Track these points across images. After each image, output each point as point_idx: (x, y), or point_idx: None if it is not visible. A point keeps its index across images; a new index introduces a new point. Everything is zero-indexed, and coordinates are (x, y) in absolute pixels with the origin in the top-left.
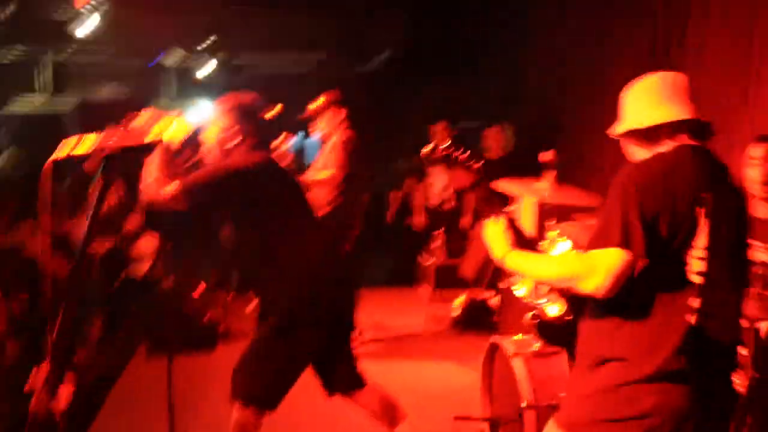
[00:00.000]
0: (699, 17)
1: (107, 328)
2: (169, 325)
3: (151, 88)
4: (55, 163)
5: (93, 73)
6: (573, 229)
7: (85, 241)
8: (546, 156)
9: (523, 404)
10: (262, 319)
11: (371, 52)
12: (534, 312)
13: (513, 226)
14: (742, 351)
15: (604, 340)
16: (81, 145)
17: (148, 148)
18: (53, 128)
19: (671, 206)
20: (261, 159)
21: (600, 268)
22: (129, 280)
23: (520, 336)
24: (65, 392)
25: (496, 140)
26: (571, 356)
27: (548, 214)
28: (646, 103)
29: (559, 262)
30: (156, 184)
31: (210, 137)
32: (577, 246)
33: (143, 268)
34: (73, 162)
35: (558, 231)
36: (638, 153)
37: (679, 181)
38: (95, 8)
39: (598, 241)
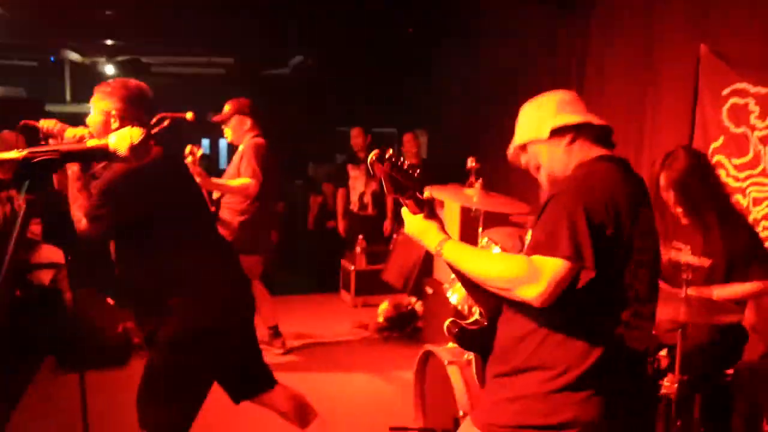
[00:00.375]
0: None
1: (9, 341)
2: (77, 339)
3: (49, 88)
4: None
5: None
6: (501, 236)
7: (10, 258)
8: (471, 163)
9: (460, 413)
10: (152, 343)
11: (285, 55)
12: (452, 318)
13: (434, 215)
14: (663, 354)
15: (531, 346)
16: (7, 153)
17: (90, 154)
18: None
19: (615, 220)
20: (155, 155)
21: (545, 275)
22: (31, 290)
23: (453, 344)
24: None
25: (411, 146)
26: (485, 362)
27: (475, 221)
28: (547, 113)
29: (502, 261)
30: (75, 218)
31: (90, 125)
32: (505, 250)
33: (46, 277)
34: None
35: (487, 238)
36: (548, 160)
37: (620, 196)
38: None
39: (543, 250)
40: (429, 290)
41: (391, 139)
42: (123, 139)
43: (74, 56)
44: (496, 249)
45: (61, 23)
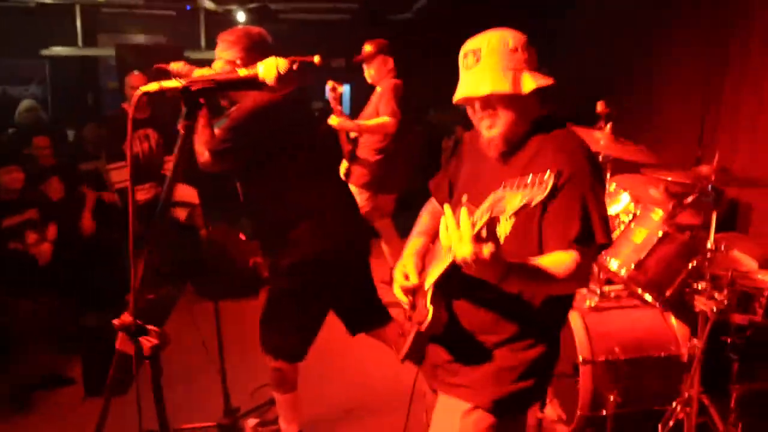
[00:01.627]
0: None
1: (152, 272)
2: (212, 270)
3: (184, 35)
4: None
5: (125, 20)
6: (630, 183)
7: (170, 182)
8: (600, 107)
9: (580, 359)
10: (271, 270)
11: (406, 1)
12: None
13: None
14: None
15: (527, 311)
16: (169, 81)
17: (241, 83)
18: (88, 73)
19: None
20: (277, 97)
21: (589, 268)
22: (171, 224)
23: None
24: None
25: None
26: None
27: (605, 164)
28: (521, 61)
29: (560, 269)
30: (198, 152)
31: (217, 70)
32: (634, 199)
33: (183, 213)
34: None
35: (615, 184)
36: (512, 119)
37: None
38: None
39: (582, 241)
40: None
41: None
42: (270, 68)
43: (208, 4)
44: (625, 195)
45: None
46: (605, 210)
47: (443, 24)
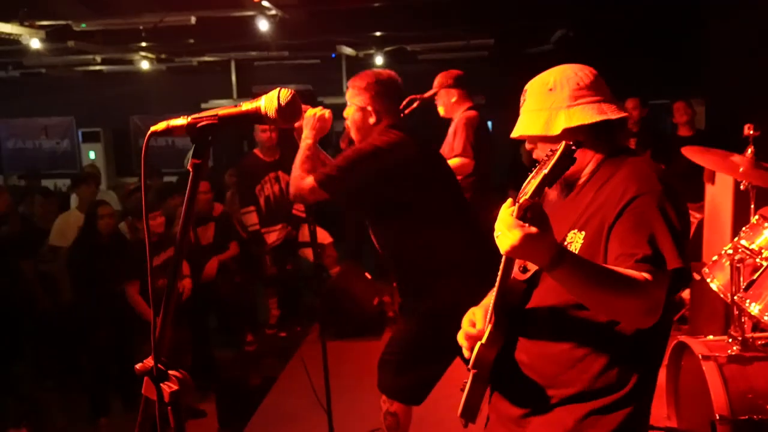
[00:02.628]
0: None
1: (282, 310)
2: (338, 310)
3: (328, 81)
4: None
5: (275, 71)
6: None
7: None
8: (748, 130)
9: (717, 417)
10: (405, 310)
11: (546, 30)
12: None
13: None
14: None
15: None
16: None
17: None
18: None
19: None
20: (397, 138)
21: (661, 295)
22: (300, 265)
23: (712, 336)
24: None
25: (681, 116)
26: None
27: (746, 195)
28: (559, 100)
29: (630, 284)
30: (297, 177)
31: (347, 117)
32: None
33: (311, 253)
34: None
35: (758, 216)
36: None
37: None
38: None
39: (653, 263)
40: (696, 276)
41: (661, 111)
42: (271, 101)
43: (348, 51)
44: None
45: (335, 19)
46: (679, 233)
47: (585, 53)
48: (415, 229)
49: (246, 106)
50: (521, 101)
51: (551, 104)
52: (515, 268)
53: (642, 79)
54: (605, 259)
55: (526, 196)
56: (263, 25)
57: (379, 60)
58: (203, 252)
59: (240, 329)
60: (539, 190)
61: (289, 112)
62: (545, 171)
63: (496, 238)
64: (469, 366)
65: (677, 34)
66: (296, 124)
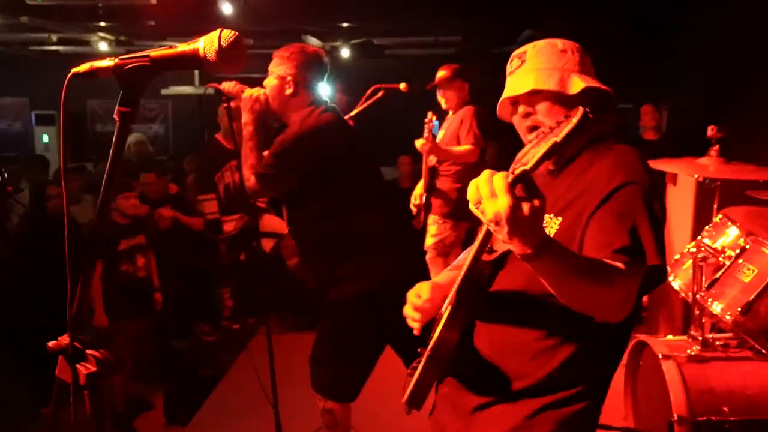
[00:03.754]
0: None
1: (236, 301)
2: (292, 300)
3: None
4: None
5: None
6: (741, 215)
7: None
8: (711, 131)
9: (675, 417)
10: (327, 304)
11: (510, 31)
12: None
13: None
14: None
15: (562, 355)
16: (101, 61)
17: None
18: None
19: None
20: (324, 120)
21: (634, 288)
22: (256, 255)
23: (671, 336)
24: None
25: (650, 120)
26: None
27: (711, 194)
28: (571, 64)
29: (607, 276)
30: (245, 175)
31: (265, 86)
32: (744, 232)
33: (268, 244)
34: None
35: (722, 215)
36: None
37: None
38: None
39: (631, 255)
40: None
41: (628, 116)
42: (211, 42)
43: (315, 41)
44: (733, 228)
45: (302, 7)
46: (662, 230)
47: None
48: (335, 211)
49: (182, 47)
50: (515, 64)
51: (564, 65)
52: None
53: (605, 82)
54: (580, 247)
55: (526, 166)
56: (227, 8)
57: (345, 52)
58: (165, 236)
59: (194, 319)
60: (542, 161)
61: (232, 55)
62: (556, 139)
63: (474, 205)
64: (427, 349)
65: (642, 37)
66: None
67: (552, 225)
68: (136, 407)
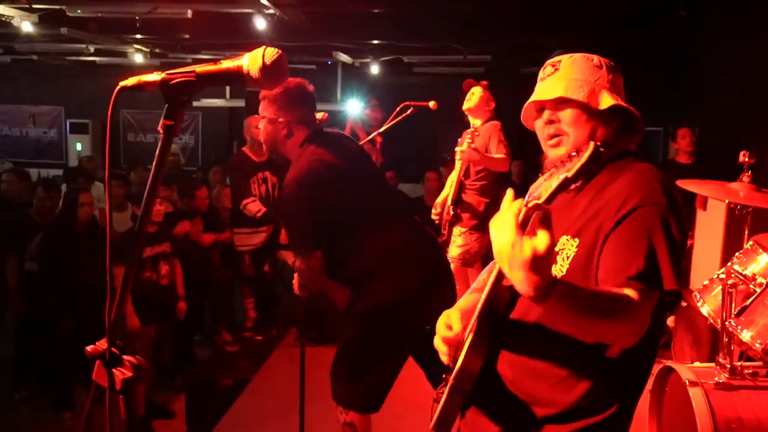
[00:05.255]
0: None
1: (260, 311)
2: (315, 314)
3: (323, 88)
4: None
5: None
6: None
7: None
8: (743, 157)
9: None
10: (348, 317)
11: (539, 51)
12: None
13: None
14: None
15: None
16: (149, 75)
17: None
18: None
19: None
20: (318, 165)
21: (647, 313)
22: (279, 268)
23: (698, 363)
24: None
25: (686, 144)
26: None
27: (741, 220)
28: (603, 80)
29: (619, 307)
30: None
31: (263, 134)
32: None
33: (292, 256)
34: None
35: (752, 242)
36: (579, 136)
37: None
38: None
39: (646, 281)
40: (683, 302)
41: (656, 140)
42: (255, 59)
43: (344, 58)
44: (765, 256)
45: (333, 23)
46: (679, 252)
47: None
48: (346, 234)
49: (227, 63)
50: (548, 71)
51: (596, 79)
52: None
53: (635, 104)
54: (596, 270)
55: (539, 201)
56: (260, 23)
57: (374, 69)
58: (193, 247)
59: (217, 328)
60: (554, 196)
61: (274, 72)
62: (568, 174)
63: (491, 235)
64: (450, 376)
65: (673, 60)
66: None
67: (570, 247)
68: (156, 414)
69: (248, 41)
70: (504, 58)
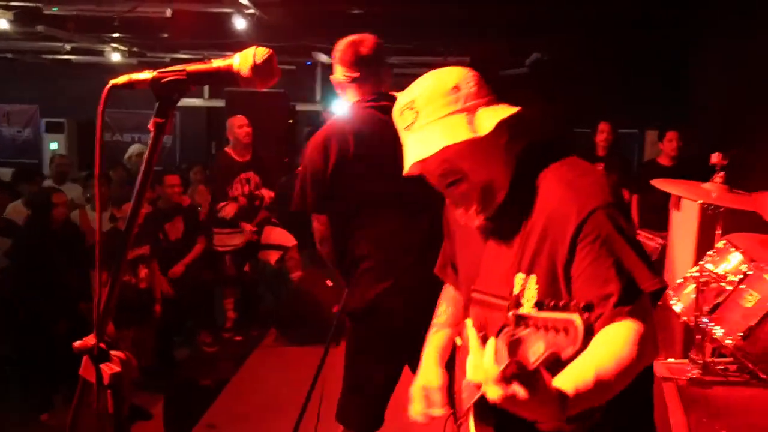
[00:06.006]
0: None
1: (240, 312)
2: (296, 314)
3: (303, 88)
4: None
5: None
6: (745, 241)
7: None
8: (715, 158)
9: None
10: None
11: (518, 54)
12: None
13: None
14: None
15: None
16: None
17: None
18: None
19: None
20: (331, 128)
21: (653, 331)
22: (260, 268)
23: (672, 360)
24: None
25: (670, 148)
26: None
27: (714, 219)
28: (472, 98)
29: (620, 349)
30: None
31: (335, 84)
32: (747, 258)
33: (274, 256)
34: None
35: (725, 241)
36: (486, 168)
37: None
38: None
39: (634, 293)
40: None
41: (631, 140)
42: (246, 58)
43: (324, 58)
44: (736, 254)
45: (313, 23)
46: (640, 245)
47: (558, 77)
48: (346, 214)
49: (218, 62)
50: (409, 117)
51: (464, 103)
52: None
53: (612, 106)
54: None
55: (530, 363)
56: (240, 23)
57: None
58: (173, 248)
59: (197, 329)
60: (546, 363)
61: (265, 71)
62: (569, 351)
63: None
64: None
65: (652, 64)
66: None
67: (530, 286)
68: (134, 416)
69: (228, 41)
70: (483, 60)
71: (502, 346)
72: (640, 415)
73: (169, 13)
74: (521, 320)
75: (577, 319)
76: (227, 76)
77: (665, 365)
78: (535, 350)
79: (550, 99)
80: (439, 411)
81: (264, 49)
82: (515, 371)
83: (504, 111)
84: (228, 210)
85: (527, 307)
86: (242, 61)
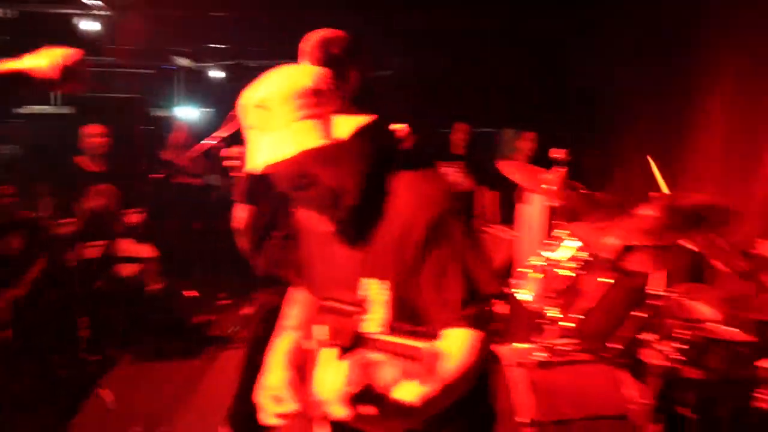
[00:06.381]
0: None
1: (93, 330)
2: (154, 329)
3: (163, 92)
4: None
5: (104, 79)
6: (582, 228)
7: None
8: (556, 153)
9: (522, 420)
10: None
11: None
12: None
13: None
14: None
15: None
16: None
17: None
18: (64, 131)
19: None
20: None
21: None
22: (114, 283)
23: (520, 344)
24: None
25: (526, 147)
26: None
27: (556, 209)
28: (325, 99)
29: (466, 353)
30: None
31: None
32: (584, 245)
33: (130, 270)
34: None
35: (563, 230)
36: (335, 172)
37: None
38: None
39: (471, 297)
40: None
41: (488, 138)
42: (52, 58)
43: (185, 62)
44: (573, 242)
45: (169, 26)
46: (479, 247)
47: (420, 79)
48: None
49: (13, 64)
50: (258, 119)
51: (319, 107)
52: None
53: (468, 107)
54: (424, 307)
55: (380, 387)
56: (90, 25)
57: (215, 73)
58: (8, 263)
59: (48, 351)
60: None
61: (73, 73)
62: (417, 377)
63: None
64: None
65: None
66: None
67: (379, 292)
68: None
69: (77, 44)
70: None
71: (353, 367)
72: (477, 398)
73: (9, 14)
74: (373, 342)
75: (426, 347)
76: (26, 78)
77: (511, 350)
78: (385, 375)
79: (415, 102)
80: (291, 406)
81: (74, 50)
82: (363, 393)
83: (359, 118)
84: (66, 230)
85: (377, 322)
86: (47, 60)
